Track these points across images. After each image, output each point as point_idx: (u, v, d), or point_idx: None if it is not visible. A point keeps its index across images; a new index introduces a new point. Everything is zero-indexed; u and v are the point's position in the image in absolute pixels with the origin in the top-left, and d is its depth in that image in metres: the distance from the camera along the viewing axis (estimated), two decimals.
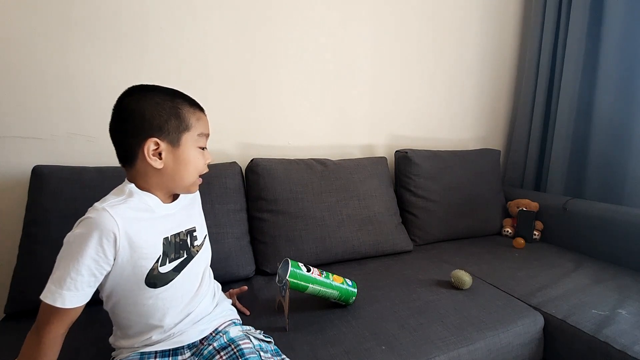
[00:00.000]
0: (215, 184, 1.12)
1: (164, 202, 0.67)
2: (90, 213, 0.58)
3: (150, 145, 0.61)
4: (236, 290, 0.96)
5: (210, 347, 0.68)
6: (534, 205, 1.56)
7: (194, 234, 0.74)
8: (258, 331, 0.76)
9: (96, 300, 0.63)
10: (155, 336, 0.65)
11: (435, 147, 1.69)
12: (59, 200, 0.93)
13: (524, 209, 1.55)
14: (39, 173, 0.95)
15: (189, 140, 0.65)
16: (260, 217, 1.19)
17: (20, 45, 1.02)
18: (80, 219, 0.58)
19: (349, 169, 1.34)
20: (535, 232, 1.53)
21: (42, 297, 0.56)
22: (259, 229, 1.19)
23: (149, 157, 0.61)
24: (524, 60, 1.89)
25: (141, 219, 0.62)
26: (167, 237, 0.66)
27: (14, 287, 0.89)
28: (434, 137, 1.77)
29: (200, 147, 0.67)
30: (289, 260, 0.87)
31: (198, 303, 0.71)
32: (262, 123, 1.38)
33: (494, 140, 1.98)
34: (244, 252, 1.12)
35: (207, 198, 1.08)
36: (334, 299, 0.92)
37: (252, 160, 1.25)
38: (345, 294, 0.91)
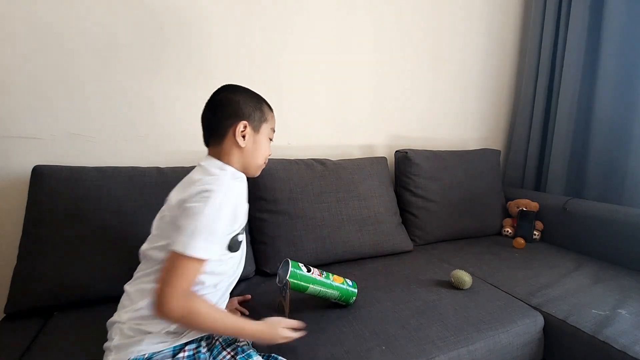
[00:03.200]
0: None
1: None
2: (214, 186, 0.64)
3: (240, 126, 0.73)
4: (240, 298, 0.99)
5: (217, 342, 0.72)
6: (534, 205, 1.56)
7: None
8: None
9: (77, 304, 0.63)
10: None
11: (435, 147, 1.69)
12: (59, 200, 0.93)
13: (524, 209, 1.55)
14: (39, 173, 0.95)
15: (265, 129, 0.79)
16: (260, 217, 1.19)
17: (20, 45, 1.01)
18: (204, 193, 0.63)
19: (349, 169, 1.34)
20: (535, 232, 1.53)
21: (189, 252, 0.60)
22: (259, 229, 1.19)
23: (238, 136, 0.73)
24: (524, 60, 1.89)
25: (240, 189, 0.74)
26: (246, 210, 0.79)
27: (14, 287, 0.88)
28: (434, 137, 1.77)
29: (270, 138, 0.81)
30: (289, 260, 0.87)
31: (234, 283, 0.79)
32: None
33: (494, 140, 1.98)
34: None
35: None
36: (334, 299, 0.92)
37: None
38: (346, 294, 0.91)
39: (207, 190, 0.63)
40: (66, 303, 0.91)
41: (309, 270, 0.87)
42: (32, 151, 1.06)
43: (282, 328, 0.72)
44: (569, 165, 1.66)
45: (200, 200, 0.62)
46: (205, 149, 0.78)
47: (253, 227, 1.20)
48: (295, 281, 0.84)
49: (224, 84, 0.79)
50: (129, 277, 0.72)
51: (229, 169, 0.74)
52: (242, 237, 0.76)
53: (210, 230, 0.62)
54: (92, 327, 0.82)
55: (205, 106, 0.77)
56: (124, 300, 0.69)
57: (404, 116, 1.68)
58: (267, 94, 1.37)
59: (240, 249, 0.76)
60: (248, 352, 0.70)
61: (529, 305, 0.99)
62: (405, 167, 1.52)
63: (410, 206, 1.49)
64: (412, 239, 1.43)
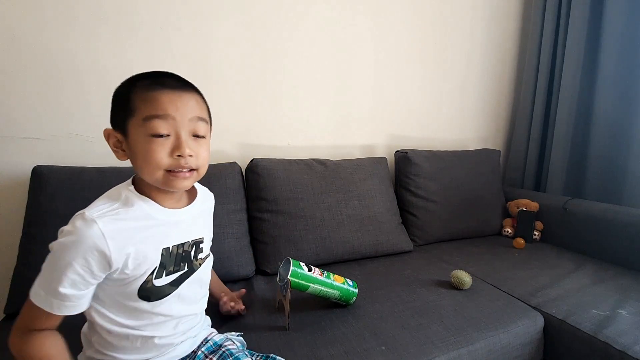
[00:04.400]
0: (215, 184, 1.12)
1: (169, 207, 0.60)
2: (77, 221, 0.52)
3: (106, 136, 0.58)
4: (236, 293, 0.93)
5: (200, 352, 0.68)
6: (534, 205, 1.56)
7: (201, 245, 0.67)
8: (234, 333, 0.78)
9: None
10: (148, 353, 0.61)
11: (435, 147, 1.69)
12: (59, 200, 0.93)
13: (524, 209, 1.55)
14: (39, 173, 0.95)
15: (134, 127, 0.54)
16: (261, 217, 1.19)
17: (21, 45, 1.02)
18: (66, 226, 0.53)
19: (349, 169, 1.34)
20: (535, 232, 1.53)
21: (30, 295, 0.54)
22: (259, 229, 1.19)
23: (112, 149, 0.57)
24: (524, 60, 1.89)
25: (136, 229, 0.55)
26: (168, 248, 0.59)
27: (14, 288, 0.89)
28: (434, 137, 1.77)
29: (152, 135, 0.53)
30: (291, 259, 0.87)
31: (193, 317, 0.67)
32: (262, 123, 1.38)
33: (494, 141, 1.98)
34: (244, 252, 1.12)
35: None
36: (335, 299, 0.92)
37: (252, 161, 1.25)
38: (346, 294, 0.91)
39: (71, 222, 0.53)
40: None
41: (309, 270, 0.87)
42: (32, 151, 1.06)
43: None
44: (569, 165, 1.66)
45: (59, 235, 0.53)
46: None
47: (253, 227, 1.20)
48: (297, 280, 0.84)
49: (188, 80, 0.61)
50: None
51: (129, 192, 0.58)
52: (169, 280, 0.60)
53: (49, 279, 0.53)
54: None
55: None
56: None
57: (404, 116, 1.68)
58: (267, 94, 1.39)
59: (175, 293, 0.61)
60: (237, 355, 0.66)
61: (528, 305, 0.99)
62: (405, 167, 1.52)
63: (410, 206, 1.49)
64: (412, 239, 1.43)
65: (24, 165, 1.03)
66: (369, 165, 1.40)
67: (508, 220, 1.62)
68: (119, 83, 0.61)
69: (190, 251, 0.64)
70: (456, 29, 1.73)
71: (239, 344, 0.73)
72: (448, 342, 0.81)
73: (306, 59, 1.42)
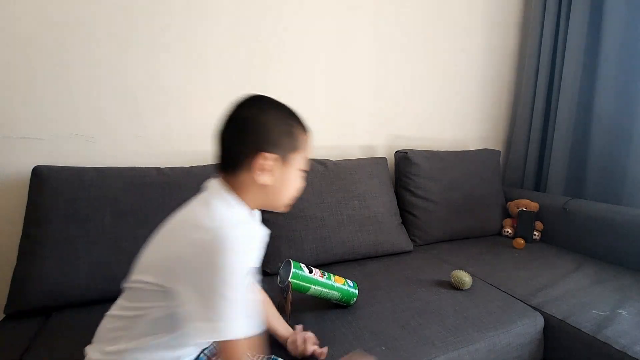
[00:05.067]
0: None
1: None
2: (223, 230, 0.52)
3: (260, 158, 0.57)
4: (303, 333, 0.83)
5: (202, 354, 0.68)
6: (534, 206, 1.56)
7: None
8: None
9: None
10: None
11: (435, 147, 1.69)
12: (59, 200, 0.93)
13: (524, 209, 1.55)
14: (39, 173, 0.95)
15: (296, 160, 0.62)
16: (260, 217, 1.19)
17: (20, 45, 1.01)
18: (209, 239, 0.51)
19: (349, 169, 1.34)
20: (535, 232, 1.53)
21: (232, 336, 0.51)
22: None
23: (256, 171, 0.58)
24: (524, 60, 1.89)
25: (250, 235, 0.60)
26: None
27: (14, 288, 0.89)
28: (434, 137, 1.77)
29: (304, 172, 0.66)
30: (291, 261, 0.87)
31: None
32: None
33: (494, 141, 1.98)
34: None
35: None
36: (335, 300, 0.92)
37: None
38: (347, 295, 0.91)
39: (214, 250, 0.50)
40: (66, 303, 0.91)
41: (310, 271, 0.87)
42: (32, 151, 1.06)
43: None
44: (569, 165, 1.66)
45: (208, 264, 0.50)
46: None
47: None
48: (297, 282, 0.84)
49: (252, 94, 0.64)
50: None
51: (238, 211, 0.58)
52: None
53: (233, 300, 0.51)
54: (91, 327, 0.82)
55: (224, 120, 0.61)
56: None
57: (404, 117, 1.68)
58: (267, 94, 1.38)
59: None
60: None
61: (528, 305, 0.99)
62: (405, 167, 1.52)
63: (410, 206, 1.49)
64: (412, 239, 1.43)
65: (24, 165, 1.03)
66: (369, 165, 1.40)
67: (508, 220, 1.62)
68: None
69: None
70: (456, 29, 1.73)
71: None
72: (448, 342, 0.81)
73: (306, 59, 1.42)
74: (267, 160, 0.58)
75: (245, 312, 0.52)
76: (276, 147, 0.59)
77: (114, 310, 0.60)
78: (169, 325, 0.55)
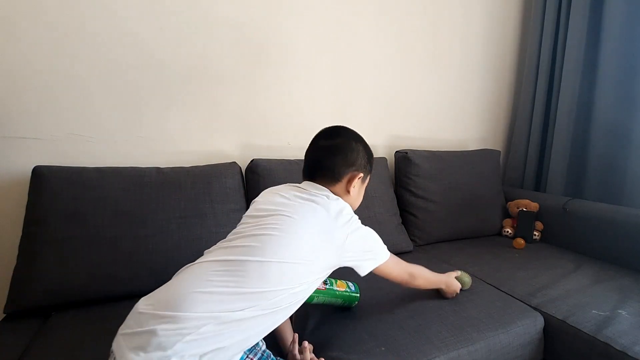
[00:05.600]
0: (215, 184, 1.12)
1: None
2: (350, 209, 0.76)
3: (357, 176, 0.77)
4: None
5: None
6: (534, 206, 1.56)
7: None
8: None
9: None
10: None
11: (435, 148, 1.69)
12: (59, 200, 0.93)
13: (524, 209, 1.55)
14: (39, 173, 0.95)
15: (368, 179, 0.83)
16: None
17: (20, 45, 1.02)
18: (351, 217, 0.74)
19: None
20: (535, 233, 1.53)
21: (386, 258, 0.81)
22: None
23: (351, 185, 0.77)
24: (524, 60, 1.89)
25: None
26: None
27: (14, 287, 0.89)
28: (434, 137, 1.77)
29: (366, 186, 0.85)
30: None
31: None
32: (263, 124, 1.38)
33: (494, 141, 1.98)
34: None
35: (207, 198, 1.08)
36: (338, 305, 0.92)
37: (252, 161, 1.25)
38: (349, 300, 0.91)
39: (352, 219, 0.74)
40: (66, 303, 0.91)
41: None
42: (32, 151, 1.06)
43: (456, 288, 0.98)
44: (569, 166, 1.66)
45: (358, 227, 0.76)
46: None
47: None
48: None
49: (339, 125, 0.84)
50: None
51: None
52: None
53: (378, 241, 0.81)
54: (91, 327, 0.82)
55: (321, 146, 0.79)
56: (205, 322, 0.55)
57: (404, 117, 1.68)
58: (267, 94, 1.39)
59: None
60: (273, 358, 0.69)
61: (528, 305, 0.99)
62: (405, 167, 1.52)
63: (410, 206, 1.49)
64: (412, 239, 1.43)
65: (24, 165, 1.03)
66: None
67: (508, 221, 1.62)
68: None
69: None
70: (456, 29, 1.73)
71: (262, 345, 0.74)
72: (448, 343, 0.81)
73: (306, 59, 1.42)
74: (356, 178, 0.77)
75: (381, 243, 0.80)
76: (364, 169, 0.80)
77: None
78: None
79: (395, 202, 1.44)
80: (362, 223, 1.20)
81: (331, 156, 0.77)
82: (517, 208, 1.58)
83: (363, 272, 0.76)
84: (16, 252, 0.91)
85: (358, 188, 0.80)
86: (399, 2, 1.57)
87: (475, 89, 1.84)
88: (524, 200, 1.59)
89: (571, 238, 1.45)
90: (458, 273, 1.01)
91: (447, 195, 1.52)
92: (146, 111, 1.19)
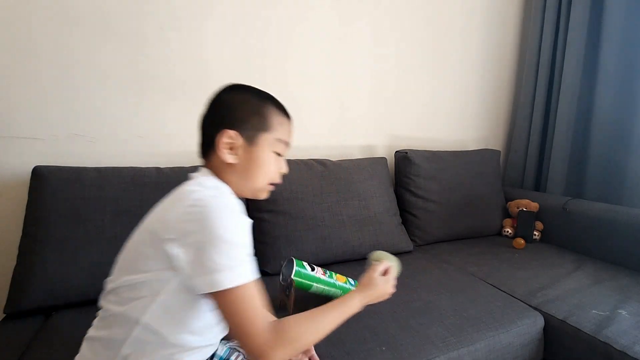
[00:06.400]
0: None
1: None
2: (216, 198, 0.52)
3: (224, 137, 0.58)
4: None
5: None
6: (534, 206, 1.56)
7: None
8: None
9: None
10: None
11: (435, 148, 1.69)
12: (59, 200, 0.93)
13: (524, 209, 1.55)
14: (39, 173, 0.95)
15: (266, 141, 0.61)
16: (260, 217, 1.19)
17: (20, 45, 1.01)
18: (203, 204, 0.51)
19: (349, 169, 1.34)
20: (535, 232, 1.53)
21: (233, 283, 0.48)
22: (259, 229, 1.19)
23: (221, 149, 0.58)
24: (524, 60, 1.89)
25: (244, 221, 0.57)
26: None
27: (14, 288, 0.88)
28: (434, 137, 1.77)
29: (276, 153, 0.63)
30: (294, 259, 0.87)
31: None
32: None
33: (494, 141, 1.98)
34: None
35: None
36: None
37: None
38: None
39: (206, 198, 0.52)
40: (66, 303, 0.91)
41: (312, 269, 0.87)
42: (32, 151, 1.06)
43: (385, 287, 0.69)
44: (569, 165, 1.66)
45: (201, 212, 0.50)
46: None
47: (253, 227, 1.19)
48: (300, 280, 0.84)
49: (227, 84, 0.66)
50: None
51: (227, 189, 0.59)
52: None
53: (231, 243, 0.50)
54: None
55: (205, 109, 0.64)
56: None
57: (404, 117, 1.68)
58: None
59: None
60: None
61: (529, 305, 0.99)
62: (405, 167, 1.52)
63: (410, 206, 1.49)
64: (412, 239, 1.43)
65: (24, 165, 1.03)
66: (369, 165, 1.40)
67: (508, 220, 1.62)
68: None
69: None
70: (456, 29, 1.73)
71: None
72: (448, 342, 0.81)
73: (306, 60, 1.42)
74: (230, 138, 0.58)
75: (244, 259, 0.51)
76: (241, 125, 0.59)
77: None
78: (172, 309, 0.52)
79: (395, 202, 1.44)
80: (362, 223, 1.18)
81: (204, 116, 0.63)
82: (517, 208, 1.58)
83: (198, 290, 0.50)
84: (16, 252, 0.91)
85: (244, 152, 0.59)
86: (399, 1, 1.57)
87: (475, 89, 1.84)
88: (524, 200, 1.59)
89: (571, 238, 1.45)
90: (379, 267, 0.73)
91: (447, 195, 1.52)
92: (146, 111, 1.19)
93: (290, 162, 1.27)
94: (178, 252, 0.49)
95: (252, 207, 1.21)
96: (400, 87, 1.64)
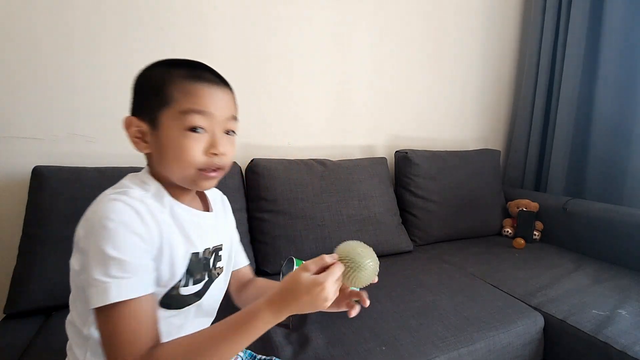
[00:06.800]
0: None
1: (189, 206, 0.56)
2: (105, 201, 0.47)
3: (127, 124, 0.52)
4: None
5: None
6: (534, 206, 1.56)
7: (220, 252, 0.61)
8: None
9: None
10: None
11: (435, 147, 1.69)
12: (59, 200, 0.93)
13: (524, 209, 1.55)
14: (39, 173, 0.95)
15: (169, 119, 0.50)
16: (261, 217, 1.19)
17: (20, 45, 1.01)
18: (94, 209, 0.49)
19: (349, 169, 1.34)
20: (535, 232, 1.53)
21: (103, 301, 0.43)
22: (259, 229, 1.19)
23: (131, 140, 0.52)
24: (524, 60, 1.89)
25: (170, 226, 0.51)
26: (198, 253, 0.55)
27: (14, 288, 0.88)
28: (434, 137, 1.77)
29: (189, 129, 0.49)
30: (294, 259, 0.87)
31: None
32: (263, 123, 1.38)
33: (494, 141, 1.98)
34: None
35: None
36: None
37: (252, 161, 1.25)
38: None
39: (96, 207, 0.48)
40: (66, 303, 0.90)
41: None
42: (32, 151, 1.06)
43: (316, 294, 0.47)
44: (569, 165, 1.66)
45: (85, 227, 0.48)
46: None
47: (253, 226, 1.20)
48: None
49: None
50: None
51: (157, 184, 0.53)
52: (196, 289, 0.54)
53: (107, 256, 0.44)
54: None
55: None
56: None
57: (404, 117, 1.68)
58: (267, 94, 1.39)
59: (197, 303, 0.56)
60: None
61: (529, 305, 0.99)
62: (405, 167, 1.52)
63: (410, 206, 1.49)
64: (412, 239, 1.43)
65: (24, 165, 1.03)
66: (369, 165, 1.40)
67: (508, 220, 1.62)
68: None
69: (210, 258, 0.58)
70: (456, 29, 1.73)
71: (246, 355, 0.70)
72: (448, 342, 0.81)
73: (306, 59, 1.42)
74: (134, 126, 0.51)
75: (122, 275, 0.44)
76: (140, 109, 0.52)
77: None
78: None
79: (395, 202, 1.44)
80: (362, 223, 1.17)
81: None
82: (517, 208, 1.58)
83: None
84: (16, 252, 0.91)
85: (153, 141, 0.51)
86: (399, 1, 1.57)
87: (475, 89, 1.84)
88: (524, 200, 1.59)
89: (571, 238, 1.45)
90: (311, 266, 0.53)
91: (447, 195, 1.52)
92: None
93: (290, 162, 1.27)
94: (73, 259, 0.50)
95: (252, 207, 1.21)
96: (400, 87, 1.64)
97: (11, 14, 1.00)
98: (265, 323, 0.46)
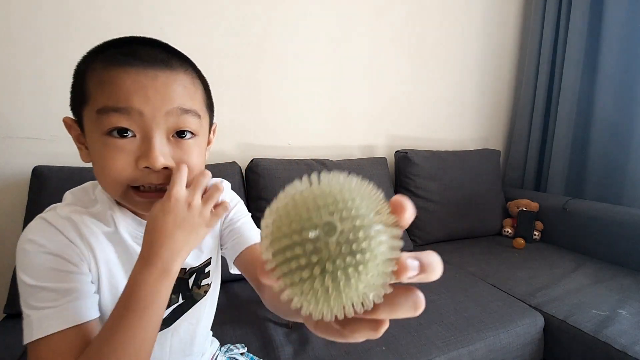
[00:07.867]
0: None
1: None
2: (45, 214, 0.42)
3: (67, 127, 0.43)
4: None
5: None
6: (534, 206, 1.56)
7: (207, 269, 0.52)
8: (238, 345, 0.72)
9: None
10: None
11: (435, 147, 1.69)
12: (58, 200, 0.92)
13: (524, 209, 1.55)
14: (39, 173, 0.95)
15: (88, 120, 0.39)
16: (261, 217, 1.19)
17: (20, 45, 1.01)
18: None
19: (349, 169, 1.34)
20: (535, 232, 1.53)
21: (29, 338, 0.37)
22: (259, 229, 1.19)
23: (76, 145, 0.43)
24: (524, 60, 1.89)
25: (105, 243, 0.44)
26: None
27: (14, 288, 0.89)
28: (434, 137, 1.77)
29: (107, 133, 0.37)
30: None
31: None
32: (263, 123, 1.38)
33: (494, 141, 1.98)
34: None
35: None
36: None
37: (252, 161, 1.25)
38: None
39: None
40: None
41: None
42: (32, 151, 1.06)
43: (177, 205, 0.37)
44: (569, 165, 1.66)
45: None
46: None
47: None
48: None
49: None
50: None
51: (99, 200, 0.46)
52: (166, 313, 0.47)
53: (26, 292, 0.39)
54: None
55: None
56: None
57: (403, 116, 1.68)
58: (267, 94, 1.39)
59: (165, 330, 0.48)
60: None
61: (529, 305, 0.99)
62: (405, 167, 1.52)
63: None
64: (412, 239, 1.43)
65: (24, 165, 1.03)
66: (369, 165, 1.40)
67: (508, 220, 1.62)
68: None
69: (189, 279, 0.50)
70: (456, 29, 1.73)
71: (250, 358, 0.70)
72: (448, 342, 0.81)
73: (306, 59, 1.42)
74: (72, 130, 0.42)
75: (45, 306, 0.38)
76: (73, 109, 0.42)
77: None
78: None
79: None
80: None
81: None
82: (517, 208, 1.58)
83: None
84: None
85: (85, 146, 0.42)
86: (398, 2, 1.57)
87: (475, 89, 1.84)
88: (524, 200, 1.59)
89: (571, 238, 1.45)
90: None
91: (447, 195, 1.52)
92: None
93: (290, 162, 1.27)
94: None
95: (252, 206, 1.21)
96: (400, 87, 1.64)
97: (12, 14, 1.00)
98: (151, 285, 0.36)
